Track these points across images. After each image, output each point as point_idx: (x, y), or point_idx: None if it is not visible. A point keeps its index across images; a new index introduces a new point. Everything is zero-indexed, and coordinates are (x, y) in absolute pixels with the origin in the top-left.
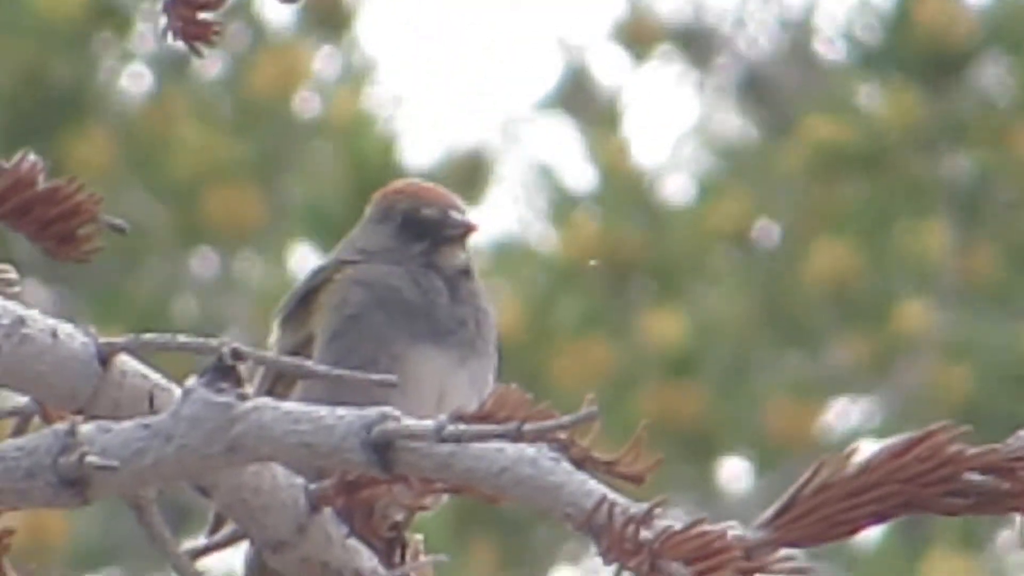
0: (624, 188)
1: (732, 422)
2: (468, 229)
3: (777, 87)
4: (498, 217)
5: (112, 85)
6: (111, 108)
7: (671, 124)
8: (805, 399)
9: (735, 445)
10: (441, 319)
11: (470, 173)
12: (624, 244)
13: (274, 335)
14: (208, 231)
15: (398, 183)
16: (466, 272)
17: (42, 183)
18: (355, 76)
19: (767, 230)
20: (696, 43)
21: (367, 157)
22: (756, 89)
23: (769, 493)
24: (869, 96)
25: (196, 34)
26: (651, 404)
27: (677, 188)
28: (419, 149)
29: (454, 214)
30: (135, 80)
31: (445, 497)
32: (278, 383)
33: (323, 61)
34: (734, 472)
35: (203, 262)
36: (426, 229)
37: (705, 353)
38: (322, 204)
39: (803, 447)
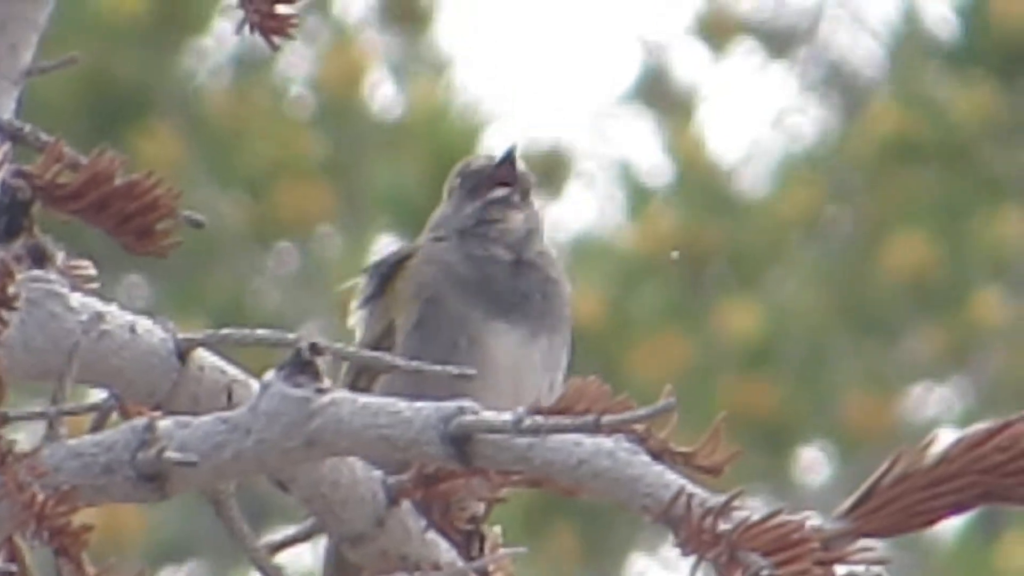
0: (701, 180)
1: (809, 412)
2: (508, 155)
3: (855, 80)
4: (577, 212)
5: (182, 81)
6: (182, 104)
7: (749, 117)
8: (883, 389)
9: (813, 436)
10: (503, 294)
11: (550, 168)
12: (701, 236)
13: (353, 318)
14: (284, 225)
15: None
16: (530, 238)
17: (120, 178)
18: (435, 70)
19: (841, 220)
20: (775, 36)
21: (449, 148)
22: (835, 82)
23: (847, 484)
24: (945, 88)
25: (273, 27)
26: (728, 395)
27: (754, 180)
28: (499, 144)
29: (494, 162)
30: (208, 75)
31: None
32: (362, 374)
33: (401, 55)
34: (811, 463)
35: (280, 256)
36: (477, 183)
37: (781, 344)
38: (404, 194)
39: (881, 437)
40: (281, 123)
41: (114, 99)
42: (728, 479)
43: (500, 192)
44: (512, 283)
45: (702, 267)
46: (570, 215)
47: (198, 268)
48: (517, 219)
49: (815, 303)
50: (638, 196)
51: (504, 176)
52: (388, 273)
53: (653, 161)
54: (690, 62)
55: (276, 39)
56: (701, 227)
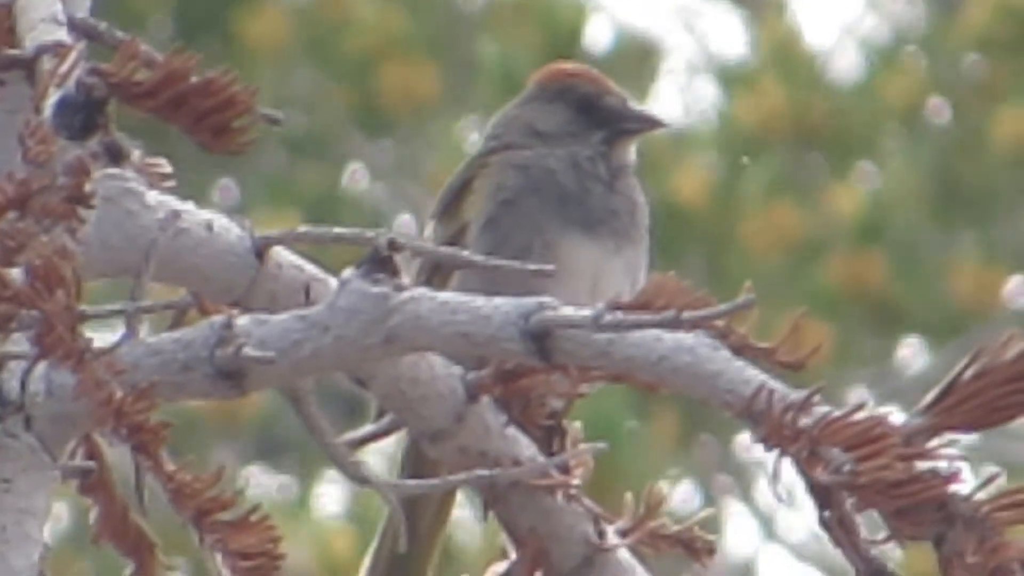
0: (798, 67)
1: (914, 294)
2: (655, 125)
3: None
4: (667, 104)
5: None
6: None
7: (841, 8)
8: (989, 270)
9: (918, 318)
10: (595, 207)
11: (640, 60)
12: (804, 114)
13: (428, 228)
14: (384, 113)
15: (565, 65)
16: (627, 166)
17: (196, 76)
18: None
19: (940, 105)
20: None
21: (558, 27)
22: None
23: (949, 369)
24: None
25: None
26: (837, 271)
27: (849, 68)
28: (593, 33)
29: (634, 106)
30: None
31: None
32: (434, 275)
33: None
34: (914, 348)
35: (379, 146)
36: (606, 118)
37: (884, 226)
38: (512, 71)
39: (987, 319)
40: (382, 6)
41: None
42: (831, 363)
43: (638, 126)
44: (605, 200)
45: (806, 145)
46: (661, 107)
47: (294, 159)
48: (631, 151)
49: (917, 188)
50: (734, 80)
51: (645, 121)
52: (459, 187)
53: (747, 50)
54: None
55: None
56: (804, 105)
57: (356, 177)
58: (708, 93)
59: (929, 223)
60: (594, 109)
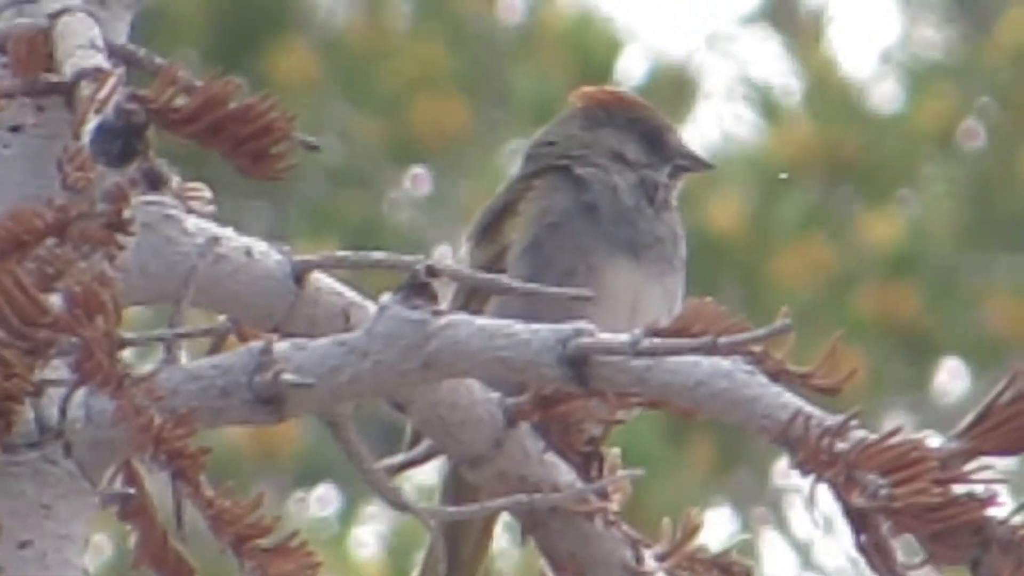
0: (834, 96)
1: (950, 322)
2: (706, 167)
3: None
4: (705, 131)
5: None
6: (317, 22)
7: (875, 35)
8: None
9: (954, 346)
10: (644, 232)
11: (677, 87)
12: (838, 146)
13: (464, 249)
14: (418, 144)
15: (616, 91)
16: (672, 197)
17: (236, 102)
18: None
19: (974, 130)
20: None
21: (592, 57)
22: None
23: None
24: None
25: None
26: (869, 303)
27: (885, 95)
28: (627, 63)
29: (688, 146)
30: None
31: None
32: (472, 299)
33: None
34: (950, 376)
35: (414, 177)
36: (670, 153)
37: (921, 253)
38: (547, 100)
39: (1021, 349)
40: (415, 39)
41: (253, 14)
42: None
43: (690, 165)
44: (651, 226)
45: (840, 177)
46: (698, 134)
47: (333, 189)
48: (676, 185)
49: (953, 214)
50: (770, 110)
51: (697, 162)
52: (501, 210)
53: (783, 78)
54: None
55: None
56: (838, 138)
57: (395, 206)
58: (744, 122)
59: (965, 250)
60: (659, 143)
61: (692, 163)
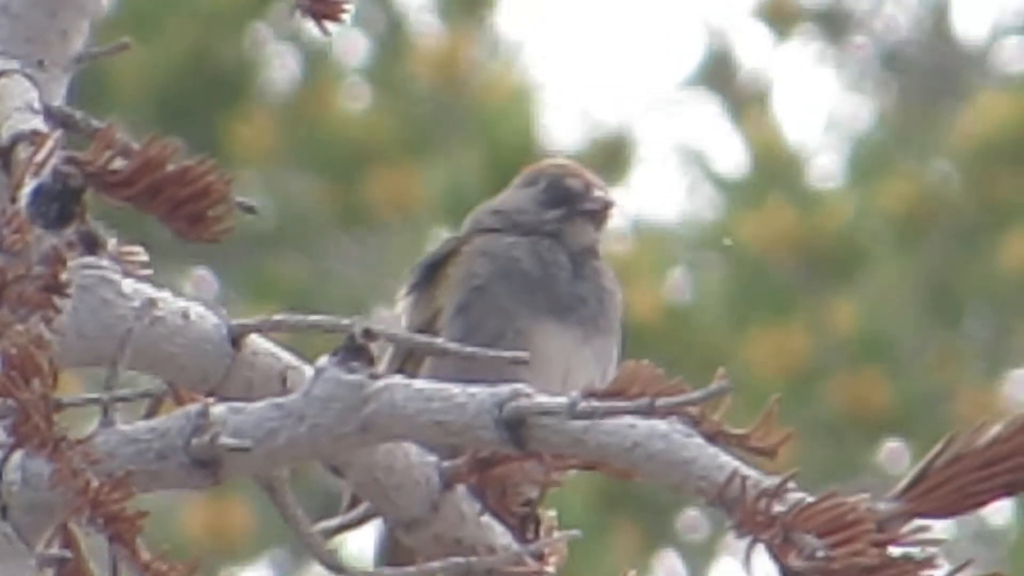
0: (783, 172)
1: (917, 407)
2: (606, 206)
3: (915, 66)
4: (641, 197)
5: (270, 67)
6: (271, 90)
7: (813, 103)
8: (992, 380)
9: (922, 430)
10: (562, 295)
11: (613, 154)
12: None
13: (400, 306)
14: (365, 212)
15: (554, 159)
16: (593, 251)
17: (174, 164)
18: (497, 58)
19: (931, 215)
20: (834, 22)
21: (506, 142)
22: (894, 68)
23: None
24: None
25: (325, 12)
26: (837, 392)
27: (828, 171)
28: (562, 130)
29: (597, 191)
30: (286, 62)
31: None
32: (408, 361)
33: (464, 44)
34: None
35: (358, 243)
36: (566, 198)
37: (882, 339)
38: (460, 190)
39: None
40: (355, 111)
41: (210, 83)
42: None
43: (593, 206)
44: (571, 287)
45: (804, 262)
46: (632, 200)
47: (274, 254)
48: (591, 234)
49: (911, 298)
50: (720, 186)
51: (599, 204)
52: (436, 263)
53: (726, 148)
54: (754, 46)
55: (327, 23)
56: (796, 222)
57: (335, 270)
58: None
59: (926, 333)
60: (555, 190)
61: (592, 204)
